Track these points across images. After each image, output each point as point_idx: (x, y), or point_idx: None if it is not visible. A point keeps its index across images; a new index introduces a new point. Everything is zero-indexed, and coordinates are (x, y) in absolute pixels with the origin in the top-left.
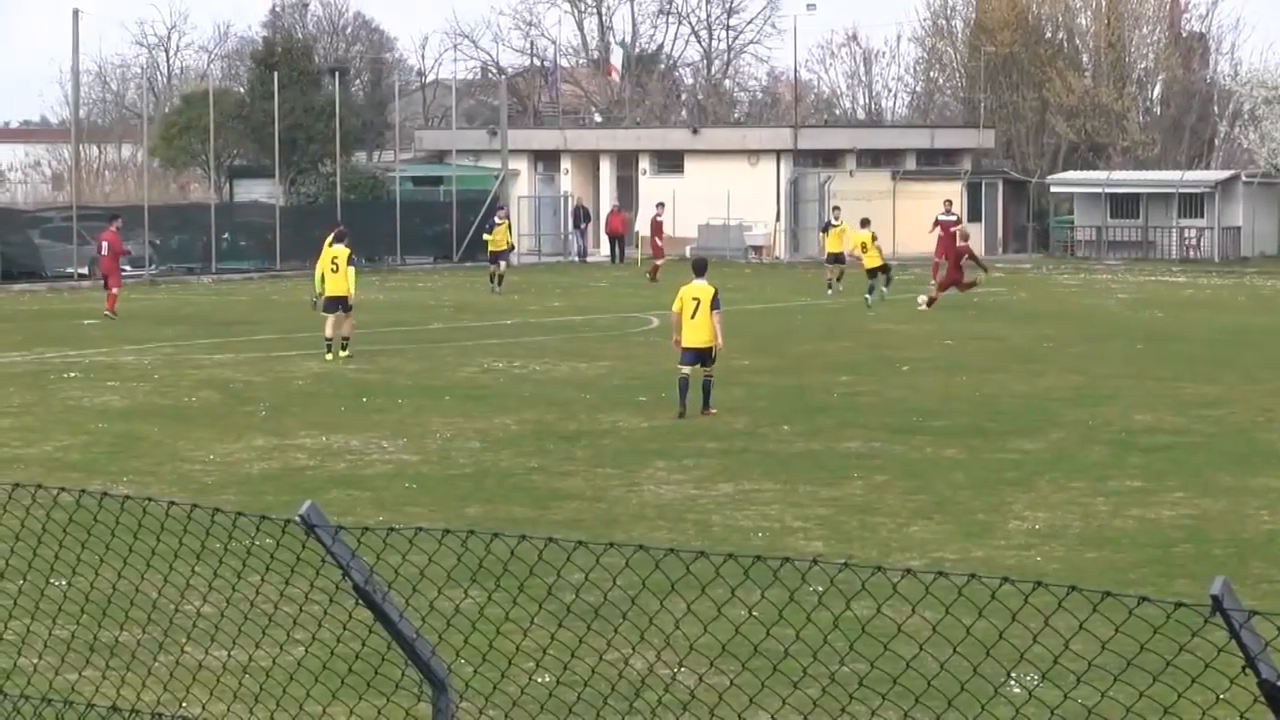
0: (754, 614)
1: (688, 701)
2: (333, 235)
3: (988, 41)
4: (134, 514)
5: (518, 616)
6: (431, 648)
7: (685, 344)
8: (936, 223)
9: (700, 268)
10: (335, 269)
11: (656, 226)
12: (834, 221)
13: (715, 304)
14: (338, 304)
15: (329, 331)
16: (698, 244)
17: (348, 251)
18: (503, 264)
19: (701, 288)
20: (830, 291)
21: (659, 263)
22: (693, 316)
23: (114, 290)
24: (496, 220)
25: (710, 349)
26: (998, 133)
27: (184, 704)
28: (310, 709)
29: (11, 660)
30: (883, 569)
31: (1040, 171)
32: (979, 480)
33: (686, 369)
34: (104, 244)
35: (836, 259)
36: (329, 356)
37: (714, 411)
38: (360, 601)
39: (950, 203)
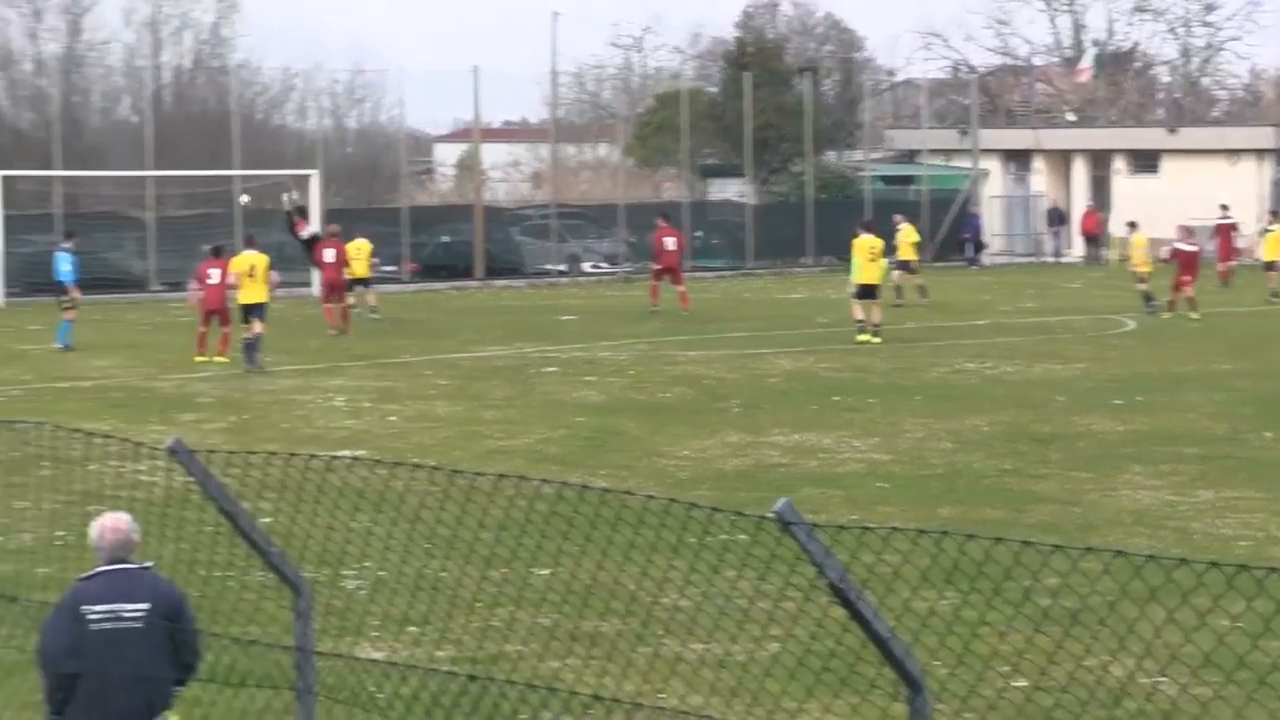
0: (1239, 624)
1: (1169, 711)
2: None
3: None
4: (612, 506)
5: (993, 619)
6: (906, 647)
7: None
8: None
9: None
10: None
11: (1224, 230)
12: (1270, 226)
13: None
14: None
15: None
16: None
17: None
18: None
19: None
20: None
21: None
22: None
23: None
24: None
25: None
26: None
27: (661, 695)
28: (786, 705)
29: (498, 646)
30: None
31: None
32: None
33: None
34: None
35: (1270, 265)
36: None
37: None
38: (835, 599)
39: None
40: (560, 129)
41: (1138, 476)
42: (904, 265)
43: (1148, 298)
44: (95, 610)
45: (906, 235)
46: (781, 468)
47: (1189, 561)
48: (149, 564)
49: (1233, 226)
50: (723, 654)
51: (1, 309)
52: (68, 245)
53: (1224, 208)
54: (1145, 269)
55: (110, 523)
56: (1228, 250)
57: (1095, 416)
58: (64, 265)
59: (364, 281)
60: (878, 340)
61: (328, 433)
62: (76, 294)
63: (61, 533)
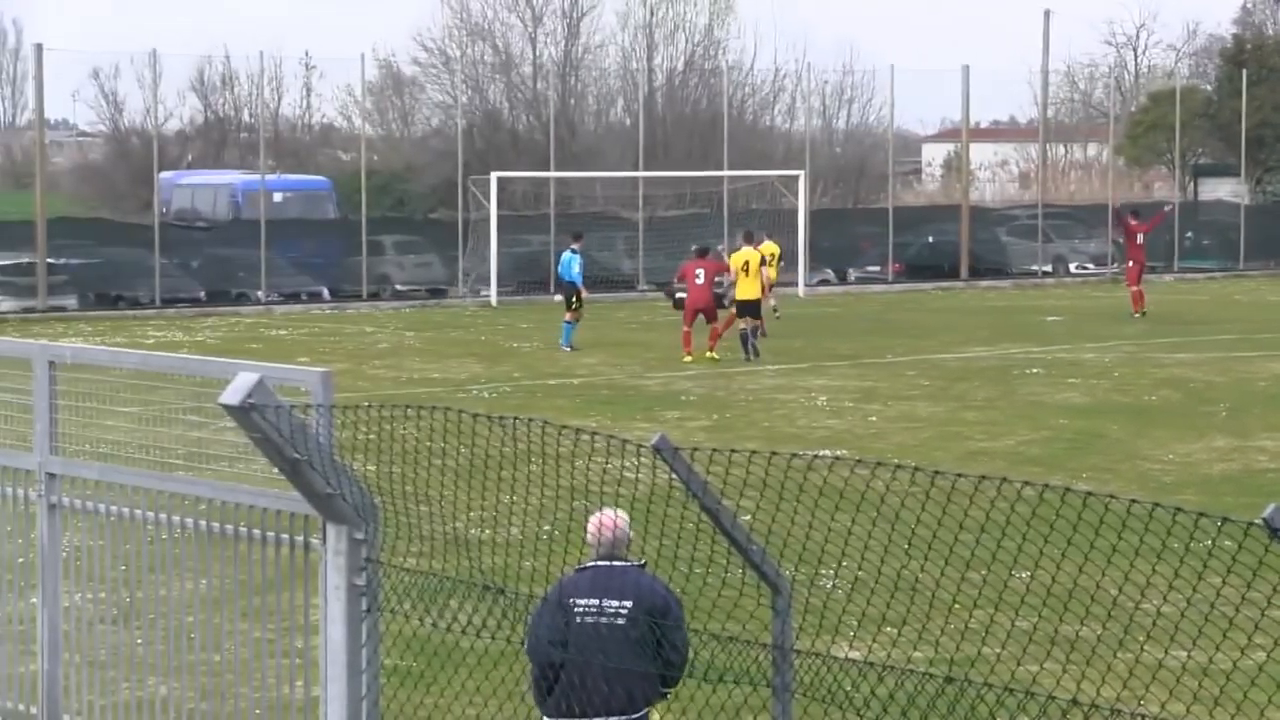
0: None
1: None
2: None
3: None
4: (1095, 510)
5: None
6: None
7: None
8: None
9: None
10: None
11: None
12: None
13: None
14: None
15: None
16: None
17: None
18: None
19: None
20: None
21: None
22: None
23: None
24: None
25: None
26: None
27: (1142, 701)
28: (1271, 715)
29: (975, 648)
30: None
31: None
32: None
33: None
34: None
35: None
36: None
37: None
38: None
39: None
40: (1050, 128)
41: None
42: None
43: None
44: (581, 603)
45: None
46: (1270, 472)
47: None
48: (641, 561)
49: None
50: (1206, 662)
51: (494, 307)
52: (576, 246)
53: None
54: None
55: (608, 520)
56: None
57: None
58: (574, 267)
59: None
60: None
61: (809, 432)
62: (582, 294)
63: (547, 527)
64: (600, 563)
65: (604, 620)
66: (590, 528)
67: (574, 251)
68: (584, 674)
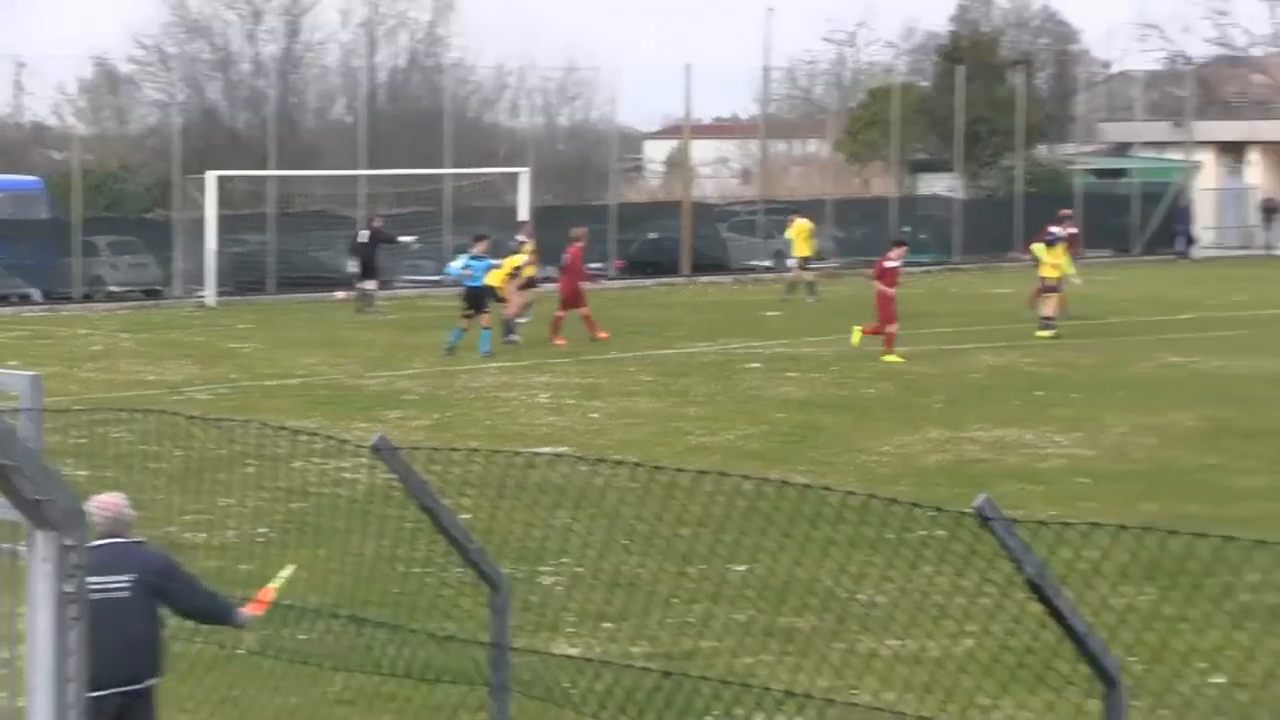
0: None
1: None
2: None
3: None
4: (811, 502)
5: (1192, 615)
6: (1103, 643)
7: None
8: None
9: None
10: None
11: None
12: None
13: None
14: None
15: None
16: None
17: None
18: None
19: None
20: None
21: None
22: None
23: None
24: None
25: None
26: None
27: (855, 690)
28: (980, 701)
29: (693, 642)
30: None
31: None
32: None
33: None
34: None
35: None
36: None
37: None
38: (1032, 595)
39: None
40: (770, 125)
41: None
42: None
43: None
44: (89, 581)
45: (799, 231)
46: (982, 463)
47: None
48: (141, 539)
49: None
50: (918, 649)
51: (212, 308)
52: (478, 250)
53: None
54: None
55: (108, 501)
56: None
57: None
58: (475, 272)
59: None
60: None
61: (530, 429)
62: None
63: (264, 530)
64: (104, 542)
65: (110, 595)
66: (91, 509)
67: (475, 256)
68: (96, 649)
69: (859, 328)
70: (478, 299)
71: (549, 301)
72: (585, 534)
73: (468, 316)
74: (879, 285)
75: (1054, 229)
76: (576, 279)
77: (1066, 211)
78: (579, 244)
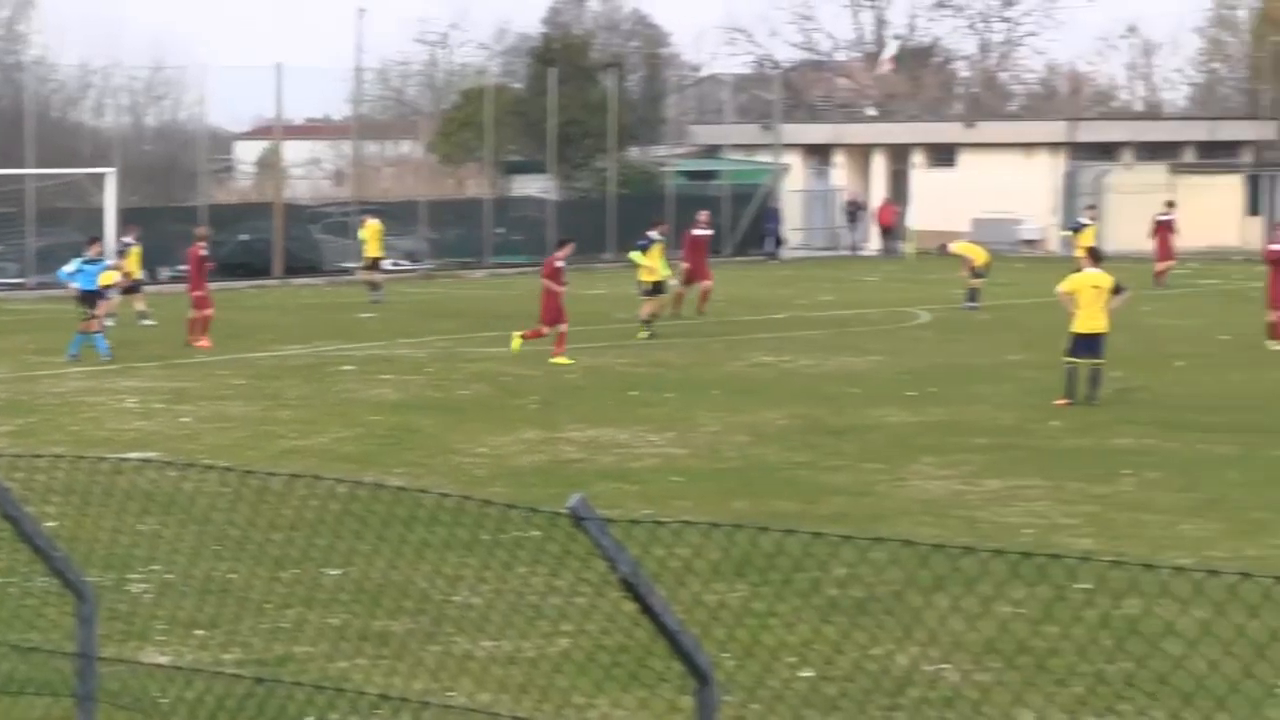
0: (1020, 611)
1: (951, 698)
2: None
3: (1272, 31)
4: (406, 505)
5: (782, 611)
6: (695, 641)
7: (1084, 330)
8: (1157, 224)
9: (1097, 256)
10: None
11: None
12: (1086, 220)
13: (1117, 290)
14: None
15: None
16: (970, 237)
17: None
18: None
19: (1102, 276)
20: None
21: (1162, 267)
22: (1092, 305)
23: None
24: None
25: (1104, 338)
26: None
27: (450, 692)
28: (575, 700)
29: (286, 647)
30: (1152, 566)
31: None
32: (1254, 478)
33: (1078, 360)
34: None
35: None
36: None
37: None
38: (626, 594)
39: (1173, 204)
40: (363, 126)
41: (928, 467)
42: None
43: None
44: None
45: (371, 231)
46: (577, 463)
47: (974, 550)
48: None
49: (1170, 225)
50: (513, 650)
51: None
52: (92, 253)
53: (1170, 204)
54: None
55: None
56: (1166, 249)
57: (889, 408)
58: (88, 274)
59: (135, 286)
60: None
61: (118, 435)
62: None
63: None
64: None
65: None
66: None
67: (89, 260)
68: None
69: (518, 334)
70: (93, 301)
71: (168, 304)
72: (175, 540)
73: (93, 318)
74: (548, 284)
75: (651, 233)
76: (203, 280)
77: (701, 214)
78: (200, 245)
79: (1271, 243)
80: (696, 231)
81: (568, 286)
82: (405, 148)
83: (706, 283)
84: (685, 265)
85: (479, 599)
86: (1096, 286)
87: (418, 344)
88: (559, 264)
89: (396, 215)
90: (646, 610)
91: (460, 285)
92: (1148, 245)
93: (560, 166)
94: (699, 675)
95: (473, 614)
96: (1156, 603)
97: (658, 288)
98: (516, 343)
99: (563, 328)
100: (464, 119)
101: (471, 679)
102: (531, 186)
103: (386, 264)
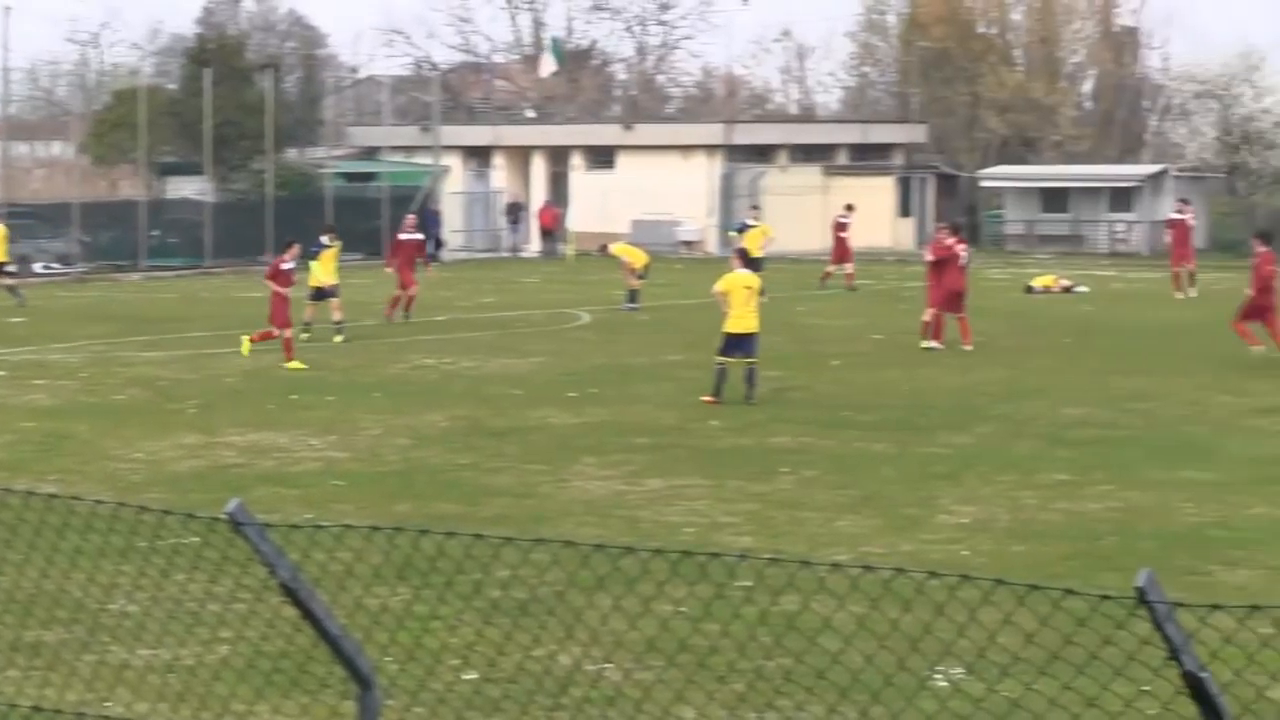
0: (681, 609)
1: (614, 697)
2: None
3: (920, 36)
4: (59, 512)
5: (444, 614)
6: (357, 645)
7: (736, 330)
8: (836, 225)
9: (746, 257)
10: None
11: (1179, 227)
12: (751, 221)
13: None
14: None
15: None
16: (629, 239)
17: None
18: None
19: (752, 277)
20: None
21: (832, 270)
22: (744, 305)
23: None
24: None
25: (756, 337)
26: (930, 128)
27: (107, 704)
28: (235, 707)
29: None
30: (809, 563)
31: (972, 166)
32: (908, 474)
33: (729, 359)
34: None
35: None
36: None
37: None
38: (286, 599)
39: (852, 207)
40: (12, 126)
41: (590, 467)
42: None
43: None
44: None
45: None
46: (237, 468)
47: (634, 550)
48: None
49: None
50: (171, 658)
51: None
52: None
53: (849, 208)
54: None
55: None
56: (844, 251)
57: (550, 409)
58: None
59: None
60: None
61: None
62: None
63: None
64: None
65: None
66: None
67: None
68: None
69: (247, 337)
70: None
71: None
72: None
73: None
74: (274, 286)
75: (323, 238)
76: None
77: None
78: None
79: (935, 245)
80: (403, 236)
81: (293, 288)
82: (56, 149)
83: (412, 289)
84: (389, 269)
85: (135, 606)
86: (749, 287)
87: (71, 348)
88: (285, 266)
89: (48, 217)
90: (308, 615)
91: (115, 288)
92: (804, 246)
93: (217, 168)
94: (361, 680)
95: (129, 622)
96: (814, 599)
97: (320, 293)
98: (246, 346)
99: (288, 333)
100: (117, 120)
101: (128, 688)
102: (188, 188)
103: (38, 267)
